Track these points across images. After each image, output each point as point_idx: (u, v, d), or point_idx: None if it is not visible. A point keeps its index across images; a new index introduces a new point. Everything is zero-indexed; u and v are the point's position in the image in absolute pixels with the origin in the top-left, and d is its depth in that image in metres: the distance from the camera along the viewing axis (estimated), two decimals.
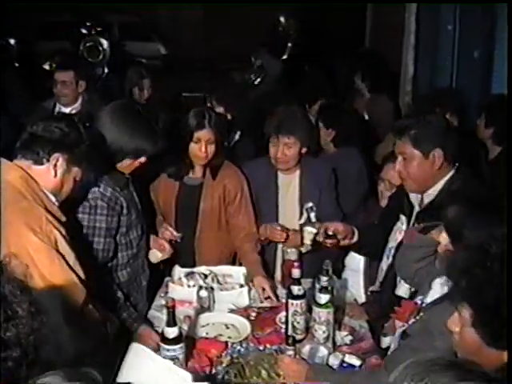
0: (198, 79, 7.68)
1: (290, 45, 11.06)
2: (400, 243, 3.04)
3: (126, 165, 3.05)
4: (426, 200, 3.02)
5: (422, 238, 2.68)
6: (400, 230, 3.15)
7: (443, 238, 2.39)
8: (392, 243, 3.20)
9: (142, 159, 3.04)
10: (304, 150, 3.74)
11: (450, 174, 2.98)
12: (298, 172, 3.82)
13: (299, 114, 3.81)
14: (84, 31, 11.12)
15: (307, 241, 3.56)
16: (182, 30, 16.69)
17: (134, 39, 13.72)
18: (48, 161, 2.47)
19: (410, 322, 2.46)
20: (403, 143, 3.00)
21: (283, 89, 6.51)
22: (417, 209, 3.08)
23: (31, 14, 13.72)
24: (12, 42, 12.07)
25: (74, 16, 12.69)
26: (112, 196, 2.98)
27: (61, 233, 2.38)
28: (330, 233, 3.30)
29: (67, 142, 2.49)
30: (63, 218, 2.47)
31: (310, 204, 3.63)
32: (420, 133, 2.96)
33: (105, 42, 8.85)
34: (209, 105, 4.41)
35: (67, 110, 5.07)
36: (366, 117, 6.04)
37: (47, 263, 2.30)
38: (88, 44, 8.83)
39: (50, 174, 2.48)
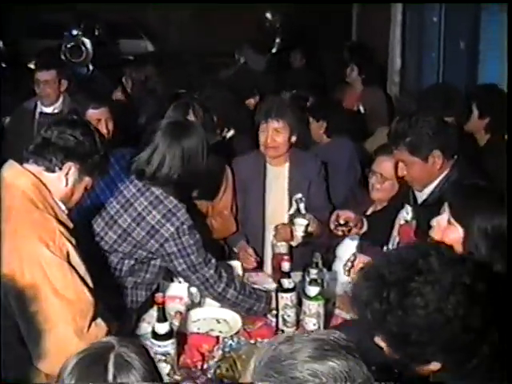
0: (186, 76, 7.66)
1: (278, 40, 11.05)
2: None
3: None
4: (424, 195, 3.04)
5: None
6: (405, 220, 3.18)
7: (437, 221, 2.39)
8: (395, 231, 3.23)
9: None
10: (293, 139, 3.77)
11: (449, 167, 3.00)
12: (287, 164, 3.85)
13: (288, 102, 3.84)
14: (75, 32, 11.05)
15: (299, 232, 3.58)
16: (170, 27, 16.64)
17: (121, 37, 13.66)
18: (60, 169, 2.40)
19: None
20: (400, 152, 3.00)
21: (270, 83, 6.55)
22: (419, 202, 3.10)
23: (21, 15, 13.63)
24: (0, 44, 11.99)
25: (64, 15, 12.63)
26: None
27: (72, 244, 2.34)
28: (342, 221, 3.30)
29: (81, 151, 2.42)
30: (71, 225, 2.42)
31: (300, 195, 3.66)
32: (415, 140, 2.94)
33: (87, 42, 8.72)
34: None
35: (49, 110, 5.08)
36: (362, 109, 6.07)
37: (60, 277, 2.26)
38: (70, 44, 8.70)
39: (62, 182, 2.42)
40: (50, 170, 2.40)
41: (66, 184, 2.43)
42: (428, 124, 2.97)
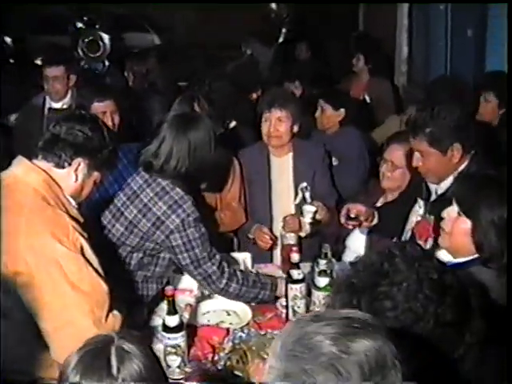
0: (190, 69, 7.67)
1: (284, 30, 11.01)
2: None
3: None
4: (440, 190, 2.99)
5: None
6: (417, 214, 3.14)
7: (447, 213, 2.37)
8: (408, 226, 3.20)
9: None
10: (296, 129, 3.79)
11: (467, 161, 2.93)
12: (290, 154, 3.87)
13: (290, 93, 3.85)
14: (80, 25, 10.99)
15: (307, 219, 3.59)
16: (175, 19, 16.61)
17: (127, 30, 13.65)
18: (70, 165, 2.42)
19: None
20: (419, 142, 2.93)
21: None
22: (433, 196, 3.05)
23: (26, 9, 13.62)
24: (8, 40, 11.99)
25: (69, 9, 12.60)
26: (194, 204, 2.97)
27: (84, 238, 2.36)
28: (353, 215, 3.28)
29: (90, 146, 2.44)
30: (81, 220, 2.45)
31: (305, 184, 3.69)
32: (436, 131, 2.86)
33: (106, 37, 8.58)
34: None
35: (58, 105, 5.08)
36: (368, 99, 6.06)
37: (76, 271, 2.29)
38: (87, 39, 8.57)
39: (71, 178, 2.44)
40: (60, 165, 2.42)
41: (76, 179, 2.45)
42: (451, 116, 2.90)
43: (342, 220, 3.32)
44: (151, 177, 2.97)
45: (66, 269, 2.27)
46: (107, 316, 2.34)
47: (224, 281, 2.99)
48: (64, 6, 12.93)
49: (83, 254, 2.33)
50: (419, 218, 3.11)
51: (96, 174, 2.53)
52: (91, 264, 2.35)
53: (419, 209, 3.14)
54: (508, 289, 1.69)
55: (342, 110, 4.55)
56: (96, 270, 2.36)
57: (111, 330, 2.27)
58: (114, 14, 13.68)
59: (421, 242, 2.97)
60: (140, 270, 3.04)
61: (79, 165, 2.44)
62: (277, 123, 3.74)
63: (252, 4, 12.35)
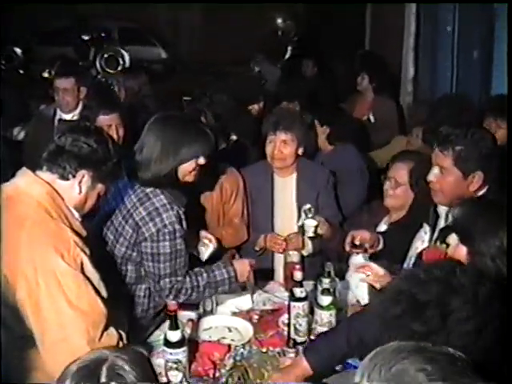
0: (198, 83, 7.70)
1: (290, 48, 11.07)
2: (420, 253, 2.99)
3: (186, 172, 2.99)
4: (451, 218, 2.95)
5: None
6: (422, 240, 3.09)
7: (453, 239, 2.35)
8: (412, 252, 3.15)
9: (201, 160, 3.00)
10: (301, 151, 3.76)
11: (483, 190, 2.84)
12: (294, 175, 3.84)
13: (297, 114, 3.81)
14: (85, 37, 11.04)
15: (309, 233, 3.58)
16: (182, 34, 16.71)
17: (134, 44, 13.73)
18: (74, 177, 2.41)
19: None
20: (444, 157, 2.83)
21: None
22: (442, 222, 2.95)
23: (32, 21, 13.71)
24: (19, 51, 12.07)
25: (74, 22, 12.66)
26: (182, 217, 2.94)
27: (85, 253, 2.34)
28: (357, 242, 3.23)
29: (95, 159, 2.43)
30: (84, 233, 2.43)
31: (308, 205, 3.64)
32: (466, 152, 2.77)
33: (126, 54, 8.47)
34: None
35: (68, 117, 5.07)
36: (372, 119, 6.05)
37: (74, 288, 2.27)
38: (107, 54, 8.47)
39: (75, 190, 2.42)
40: (64, 177, 2.41)
41: (80, 191, 2.44)
42: (484, 142, 2.82)
43: (347, 248, 3.26)
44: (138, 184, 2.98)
45: (64, 286, 2.25)
46: (102, 335, 2.31)
47: (171, 297, 2.94)
48: (69, 18, 13.04)
49: (83, 271, 2.31)
50: (425, 244, 3.04)
51: (100, 187, 2.51)
52: (91, 282, 2.33)
53: (424, 234, 3.08)
54: (508, 288, 1.68)
55: (326, 127, 4.56)
56: (95, 288, 2.33)
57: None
58: (121, 26, 13.80)
59: None
60: (139, 283, 3.03)
61: (83, 177, 2.43)
62: (281, 146, 3.71)
63: (259, 20, 12.42)
